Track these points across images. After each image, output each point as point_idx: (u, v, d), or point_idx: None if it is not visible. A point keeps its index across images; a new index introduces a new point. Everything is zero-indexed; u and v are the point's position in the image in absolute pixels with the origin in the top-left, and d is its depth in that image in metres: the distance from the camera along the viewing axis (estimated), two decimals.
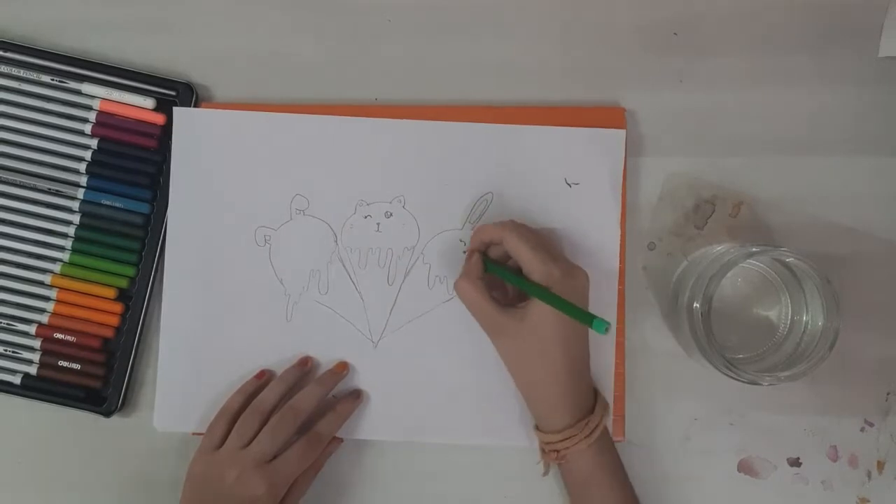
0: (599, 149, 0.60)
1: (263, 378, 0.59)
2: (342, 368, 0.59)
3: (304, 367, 0.59)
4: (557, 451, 0.54)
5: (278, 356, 0.59)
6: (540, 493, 0.59)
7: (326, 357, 0.59)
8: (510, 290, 0.58)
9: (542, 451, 0.55)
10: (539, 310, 0.53)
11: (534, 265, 0.53)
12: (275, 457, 0.55)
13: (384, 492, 0.60)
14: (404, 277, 0.60)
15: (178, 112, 0.60)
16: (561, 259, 0.54)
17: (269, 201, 0.60)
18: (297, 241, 0.60)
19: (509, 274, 0.55)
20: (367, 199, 0.60)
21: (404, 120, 0.60)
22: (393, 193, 0.60)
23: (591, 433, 0.53)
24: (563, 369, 0.53)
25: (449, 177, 0.60)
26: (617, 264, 0.59)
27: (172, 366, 0.59)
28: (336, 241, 0.60)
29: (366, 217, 0.60)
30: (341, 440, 0.59)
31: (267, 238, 0.60)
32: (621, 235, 0.60)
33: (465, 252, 0.59)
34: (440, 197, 0.60)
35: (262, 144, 0.60)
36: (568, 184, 0.59)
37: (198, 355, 0.59)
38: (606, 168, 0.59)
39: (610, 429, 0.57)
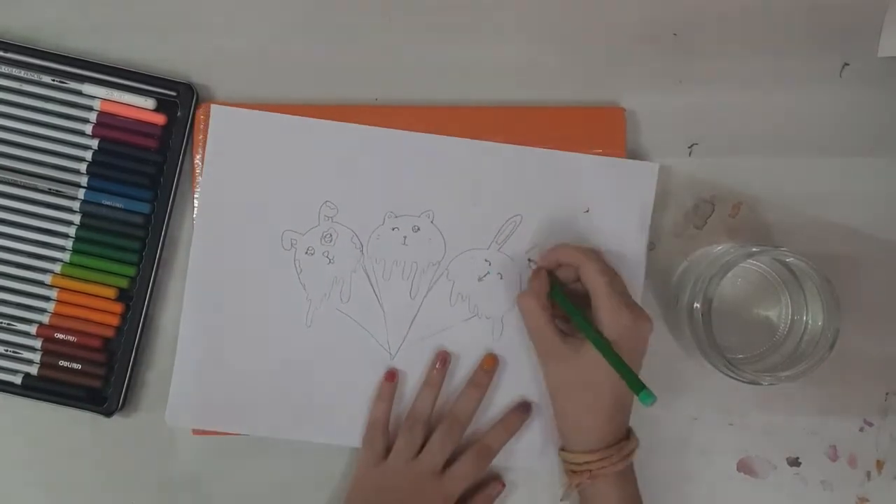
0: (632, 181, 0.59)
1: (395, 380, 0.58)
2: (491, 364, 0.58)
3: (447, 367, 0.58)
4: (591, 471, 0.52)
5: (296, 360, 0.59)
6: None
7: (343, 365, 0.59)
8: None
9: (571, 472, 0.54)
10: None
11: (605, 311, 0.52)
12: (445, 467, 0.55)
13: None
14: (427, 292, 0.60)
15: (216, 109, 0.59)
16: (631, 306, 0.53)
17: (299, 205, 0.59)
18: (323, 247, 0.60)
19: (574, 312, 0.54)
20: (396, 211, 0.60)
21: (440, 136, 0.59)
22: (422, 208, 0.60)
23: (626, 456, 0.53)
24: (608, 404, 0.53)
25: (479, 196, 0.60)
26: (640, 293, 0.59)
27: (189, 362, 0.59)
28: (362, 251, 0.60)
29: (393, 229, 0.60)
30: (504, 485, 0.58)
31: (293, 242, 0.59)
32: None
33: (530, 265, 0.59)
34: (469, 215, 0.60)
35: (297, 148, 0.59)
36: (589, 213, 0.59)
37: (216, 353, 0.59)
38: (637, 201, 0.59)
39: None
